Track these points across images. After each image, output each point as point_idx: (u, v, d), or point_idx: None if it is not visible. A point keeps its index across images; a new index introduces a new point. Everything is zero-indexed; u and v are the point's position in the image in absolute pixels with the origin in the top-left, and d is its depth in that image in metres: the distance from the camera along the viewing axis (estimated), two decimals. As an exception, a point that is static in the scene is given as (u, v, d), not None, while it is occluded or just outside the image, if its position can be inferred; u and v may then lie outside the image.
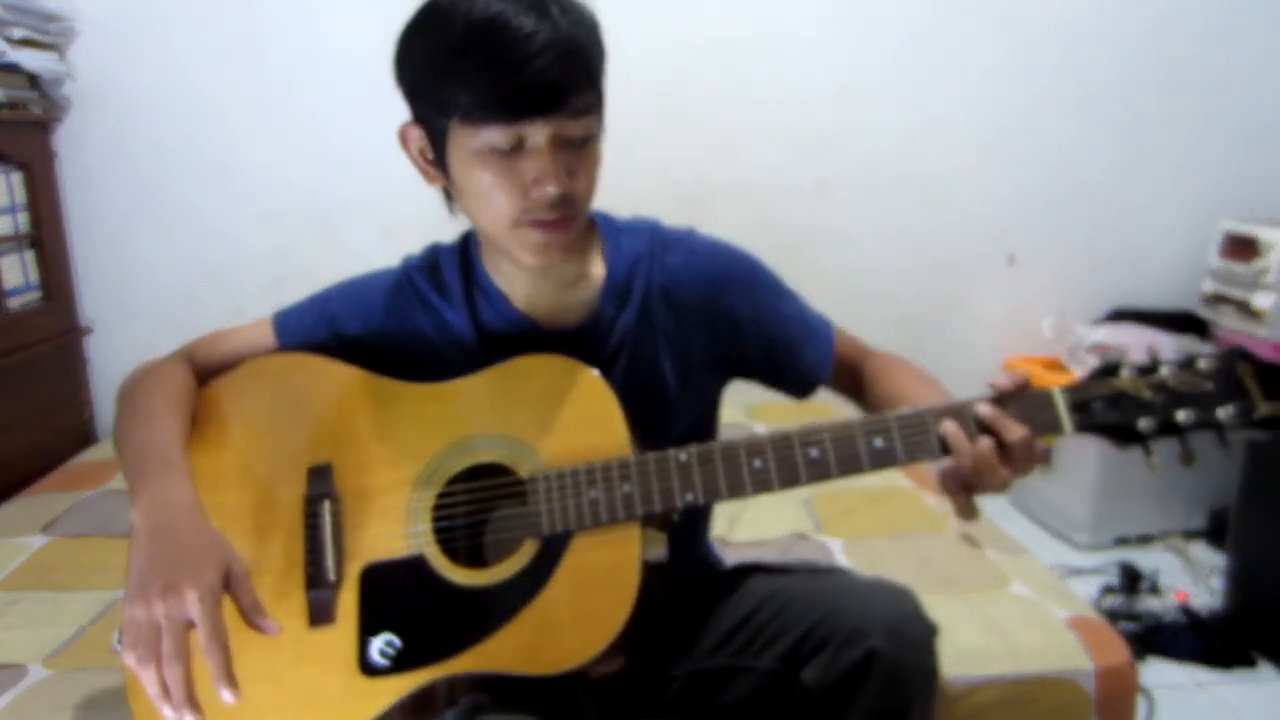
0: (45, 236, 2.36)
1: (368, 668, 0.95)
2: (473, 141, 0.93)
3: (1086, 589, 2.18)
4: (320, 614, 0.98)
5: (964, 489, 0.90)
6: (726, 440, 0.95)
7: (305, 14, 2.46)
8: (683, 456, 0.94)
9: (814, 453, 0.92)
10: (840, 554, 1.63)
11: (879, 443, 0.91)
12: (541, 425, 0.99)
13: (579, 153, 0.95)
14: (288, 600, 0.98)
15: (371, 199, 2.50)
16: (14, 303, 2.25)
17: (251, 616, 0.85)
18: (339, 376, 1.08)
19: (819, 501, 1.84)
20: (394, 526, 1.00)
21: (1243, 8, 2.61)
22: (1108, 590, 2.21)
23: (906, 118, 2.63)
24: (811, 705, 0.96)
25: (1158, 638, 2.02)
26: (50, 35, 2.32)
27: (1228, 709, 1.85)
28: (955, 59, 2.61)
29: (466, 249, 1.11)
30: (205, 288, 2.54)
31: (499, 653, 0.93)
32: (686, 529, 1.07)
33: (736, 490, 0.93)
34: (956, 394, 0.96)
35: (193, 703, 0.79)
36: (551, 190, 0.92)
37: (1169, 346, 2.41)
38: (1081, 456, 2.48)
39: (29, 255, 2.33)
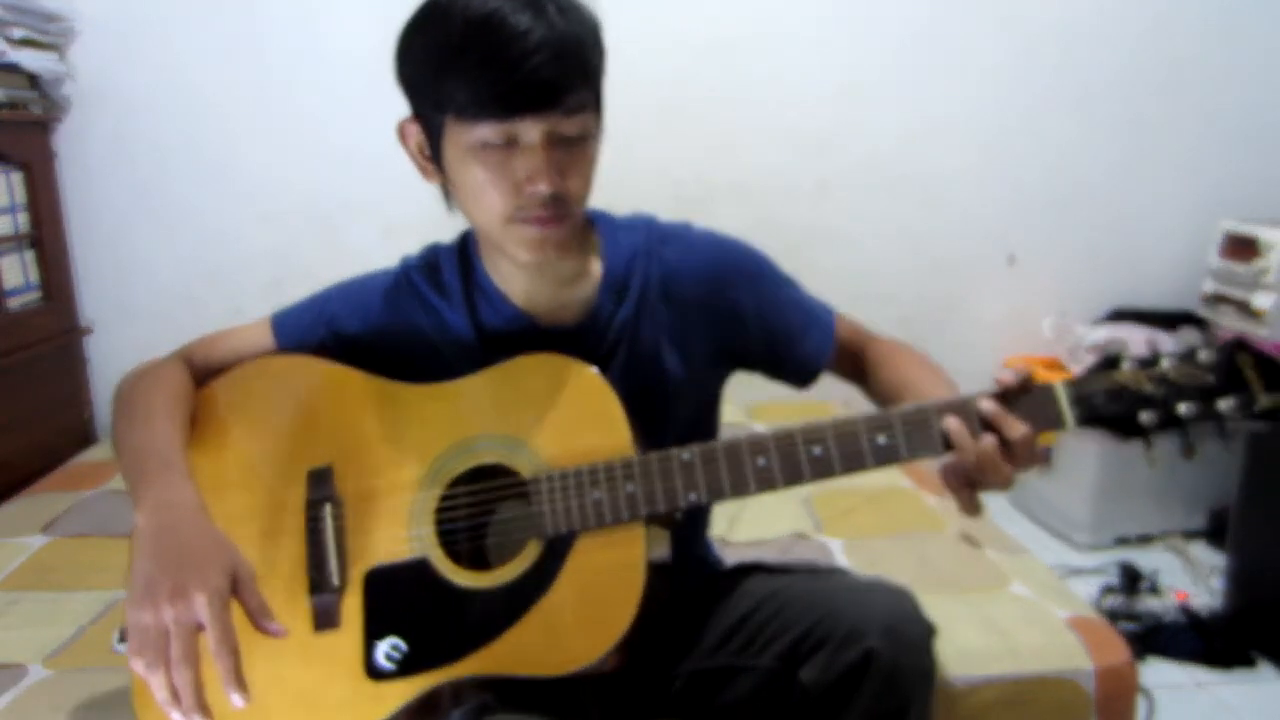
0: (45, 236, 2.35)
1: (374, 672, 0.95)
2: (467, 138, 0.93)
3: (1086, 589, 2.18)
4: (325, 618, 0.98)
5: (967, 485, 0.90)
6: (729, 439, 0.95)
7: (305, 14, 2.45)
8: (686, 455, 0.94)
9: (817, 450, 0.92)
10: (840, 554, 1.63)
11: (882, 439, 0.91)
12: (543, 425, 0.98)
13: (573, 151, 0.95)
14: (292, 604, 0.98)
15: (371, 199, 2.49)
16: (14, 303, 2.25)
17: (258, 619, 0.85)
18: (338, 378, 1.07)
19: (819, 501, 1.84)
20: (397, 529, 1.00)
21: (1243, 8, 2.61)
22: (1108, 590, 2.21)
23: (906, 118, 2.62)
24: (810, 705, 0.95)
25: (1158, 638, 2.02)
26: (50, 35, 2.32)
27: (1228, 709, 1.85)
28: (955, 59, 2.60)
29: (465, 248, 1.11)
30: (205, 288, 2.54)
31: (505, 655, 0.93)
32: (688, 528, 1.06)
33: (740, 489, 0.93)
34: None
35: (203, 707, 0.79)
36: (543, 188, 0.92)
37: (1169, 346, 2.41)
38: (1081, 456, 2.48)
39: (29, 255, 2.32)
